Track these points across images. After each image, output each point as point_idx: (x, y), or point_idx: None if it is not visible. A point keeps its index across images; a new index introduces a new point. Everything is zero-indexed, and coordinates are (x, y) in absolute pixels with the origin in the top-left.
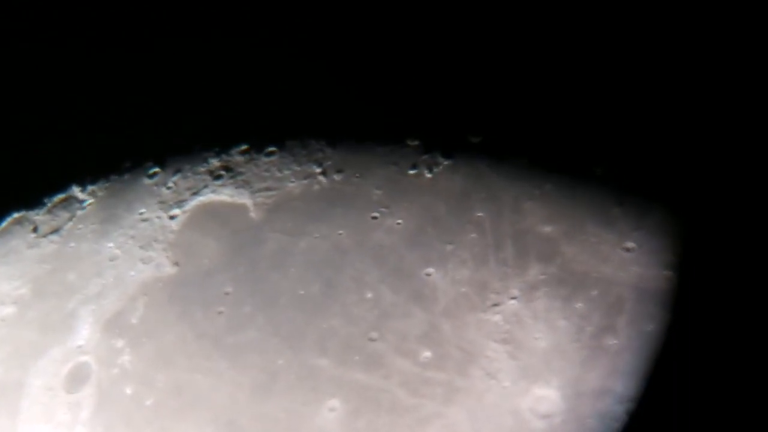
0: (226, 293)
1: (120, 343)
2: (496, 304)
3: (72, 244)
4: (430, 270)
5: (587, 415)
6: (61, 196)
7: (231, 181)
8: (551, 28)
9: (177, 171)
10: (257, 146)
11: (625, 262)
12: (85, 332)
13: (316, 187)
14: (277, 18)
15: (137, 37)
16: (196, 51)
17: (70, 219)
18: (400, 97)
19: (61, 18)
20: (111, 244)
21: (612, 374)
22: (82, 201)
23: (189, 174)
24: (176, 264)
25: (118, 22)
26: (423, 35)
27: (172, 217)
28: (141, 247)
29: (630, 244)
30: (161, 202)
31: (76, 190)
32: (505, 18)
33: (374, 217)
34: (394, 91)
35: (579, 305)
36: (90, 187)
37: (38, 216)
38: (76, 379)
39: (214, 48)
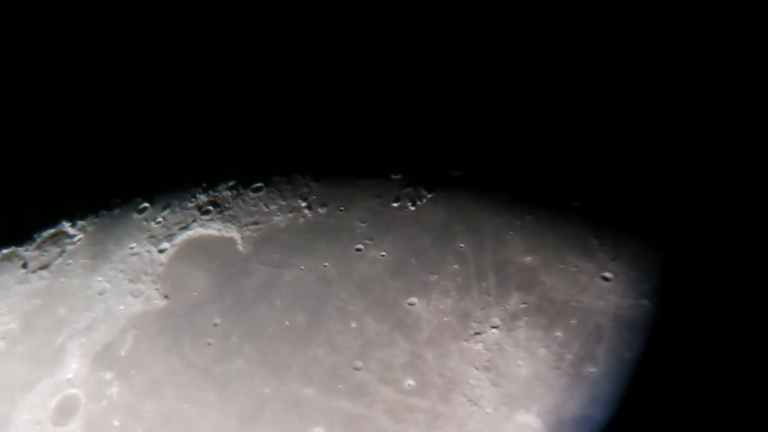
0: (215, 324)
1: (108, 376)
2: (478, 333)
3: (62, 279)
4: (414, 300)
5: None
6: (50, 231)
7: (219, 215)
8: (533, 65)
9: (166, 206)
10: (244, 182)
11: (604, 291)
12: (73, 365)
13: (302, 220)
14: (277, 18)
15: (137, 37)
16: (196, 51)
17: (60, 254)
18: (383, 132)
19: (61, 18)
20: (101, 278)
21: (591, 402)
22: (72, 236)
23: (177, 209)
24: (165, 297)
25: (118, 22)
26: (401, 72)
27: (161, 251)
28: (130, 281)
29: (608, 274)
30: (151, 237)
31: (66, 225)
32: (487, 54)
33: (358, 249)
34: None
35: (559, 334)
36: (80, 222)
37: (28, 251)
38: (65, 411)
39: (214, 48)
